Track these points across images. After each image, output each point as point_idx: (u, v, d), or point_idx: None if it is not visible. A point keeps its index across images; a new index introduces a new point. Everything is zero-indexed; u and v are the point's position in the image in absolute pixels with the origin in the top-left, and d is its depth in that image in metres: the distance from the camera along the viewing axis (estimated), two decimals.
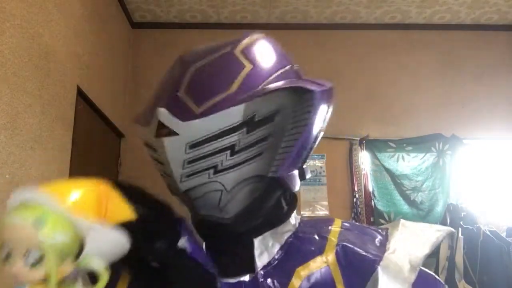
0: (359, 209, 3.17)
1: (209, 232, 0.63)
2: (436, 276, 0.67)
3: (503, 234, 2.74)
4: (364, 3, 3.30)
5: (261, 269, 0.60)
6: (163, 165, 0.60)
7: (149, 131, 0.58)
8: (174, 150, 0.57)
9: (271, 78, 0.60)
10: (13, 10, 1.75)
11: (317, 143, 0.68)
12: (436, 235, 0.66)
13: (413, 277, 0.58)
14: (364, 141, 3.27)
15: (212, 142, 0.57)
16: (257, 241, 0.62)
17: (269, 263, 0.61)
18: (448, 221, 2.86)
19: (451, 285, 2.69)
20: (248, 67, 0.60)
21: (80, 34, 2.45)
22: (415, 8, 3.40)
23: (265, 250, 0.62)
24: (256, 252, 0.61)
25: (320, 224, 0.68)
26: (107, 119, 2.92)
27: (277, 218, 0.65)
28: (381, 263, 0.59)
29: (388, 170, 3.22)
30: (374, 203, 3.15)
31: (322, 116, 0.64)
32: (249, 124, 0.58)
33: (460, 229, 2.75)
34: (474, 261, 2.64)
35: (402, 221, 0.69)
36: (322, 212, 3.21)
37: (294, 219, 0.67)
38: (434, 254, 2.92)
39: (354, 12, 3.44)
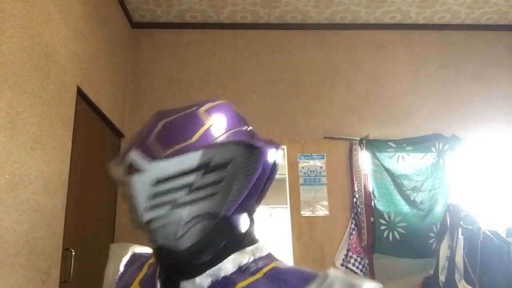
0: (359, 209, 3.17)
1: (165, 259, 0.74)
2: None
3: (503, 234, 2.74)
4: (364, 3, 3.31)
5: None
6: (129, 199, 0.70)
7: (122, 169, 0.70)
8: (141, 185, 0.68)
9: (225, 134, 0.72)
10: (13, 10, 1.75)
11: (266, 193, 0.78)
12: None
13: None
14: (364, 141, 3.27)
15: (173, 180, 0.69)
16: (191, 281, 0.72)
17: None
18: (448, 221, 2.86)
19: (451, 285, 2.69)
20: (208, 123, 0.72)
21: (80, 34, 2.45)
22: (415, 8, 3.40)
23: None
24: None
25: (250, 269, 0.75)
26: (107, 119, 2.92)
27: (217, 259, 0.73)
28: None
29: (388, 170, 3.22)
30: (374, 203, 3.14)
31: (267, 169, 0.74)
32: (204, 168, 0.70)
33: (460, 229, 2.74)
34: (474, 261, 2.64)
35: (329, 272, 0.69)
36: (322, 212, 3.21)
37: (234, 261, 0.74)
38: (434, 254, 2.92)
39: (354, 12, 3.44)
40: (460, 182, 3.23)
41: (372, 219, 3.12)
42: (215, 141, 0.71)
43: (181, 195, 0.69)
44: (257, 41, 3.57)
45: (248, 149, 0.75)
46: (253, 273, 0.73)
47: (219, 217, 0.72)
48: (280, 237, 3.14)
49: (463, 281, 2.64)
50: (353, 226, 3.18)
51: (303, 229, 3.18)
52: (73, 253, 2.25)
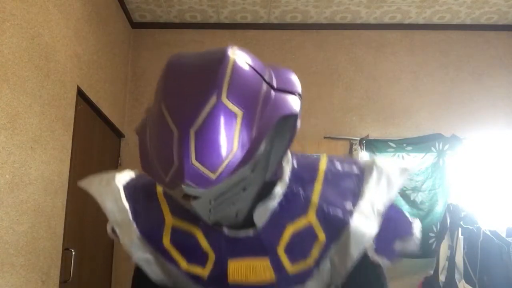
0: None
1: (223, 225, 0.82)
2: (405, 214, 0.87)
3: (503, 234, 2.74)
4: (364, 3, 3.30)
5: (261, 226, 0.81)
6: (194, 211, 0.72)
7: (175, 193, 0.68)
8: (200, 205, 0.68)
9: (257, 116, 0.67)
10: (13, 10, 1.75)
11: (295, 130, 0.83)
12: (400, 179, 0.83)
13: (378, 220, 0.80)
14: (364, 141, 3.27)
15: (229, 192, 0.71)
16: (257, 209, 0.81)
17: (266, 224, 0.82)
18: (448, 221, 2.86)
19: (451, 285, 2.69)
20: (239, 114, 0.65)
21: (80, 34, 2.45)
22: (415, 8, 3.40)
23: (263, 212, 0.81)
24: (257, 213, 0.81)
25: (306, 174, 0.86)
26: (107, 119, 2.92)
27: (267, 194, 0.82)
28: (351, 220, 0.80)
29: None
30: None
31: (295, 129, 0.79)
32: (252, 169, 0.72)
33: (460, 229, 2.74)
34: (474, 261, 2.64)
35: (376, 162, 0.85)
36: None
37: (285, 175, 0.85)
38: (434, 254, 2.92)
39: (354, 12, 3.44)
40: (460, 182, 3.22)
41: None
42: (255, 138, 0.66)
43: (238, 197, 0.74)
44: (257, 41, 3.57)
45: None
46: (312, 180, 0.85)
47: (264, 183, 0.80)
48: None
49: (463, 281, 2.64)
50: None
51: None
52: (73, 253, 2.25)
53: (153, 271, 0.88)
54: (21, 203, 1.78)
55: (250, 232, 0.82)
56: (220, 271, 0.84)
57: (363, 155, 3.25)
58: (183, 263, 0.85)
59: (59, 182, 2.15)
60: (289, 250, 0.83)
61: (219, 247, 0.84)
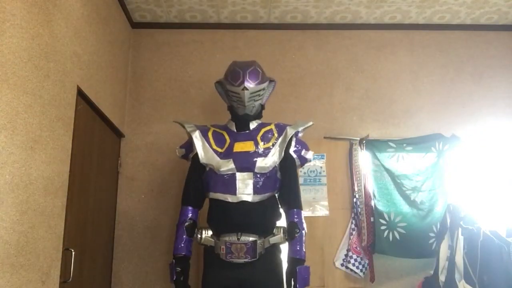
0: (359, 209, 3.17)
1: (246, 116, 2.39)
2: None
3: (503, 234, 2.74)
4: (364, 3, 3.31)
5: (251, 128, 2.42)
6: (240, 99, 2.30)
7: (238, 88, 2.27)
8: (247, 94, 2.27)
9: (265, 79, 2.42)
10: (13, 10, 1.75)
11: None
12: (302, 127, 2.48)
13: (294, 133, 2.42)
14: (364, 141, 3.27)
15: (256, 92, 2.32)
16: (251, 123, 2.43)
17: (253, 128, 2.42)
18: (448, 221, 2.86)
19: (451, 285, 2.69)
20: (261, 72, 2.41)
21: (80, 34, 2.45)
22: (415, 8, 3.40)
23: (253, 125, 2.43)
24: (251, 125, 2.43)
25: (267, 122, 2.51)
26: (107, 119, 2.92)
27: (257, 117, 2.47)
28: (287, 128, 2.41)
29: (388, 170, 3.22)
30: (374, 203, 3.14)
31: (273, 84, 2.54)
32: (264, 88, 2.38)
33: (460, 229, 2.74)
34: (474, 261, 2.64)
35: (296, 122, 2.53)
36: (322, 212, 3.21)
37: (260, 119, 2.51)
38: (434, 254, 2.92)
39: (354, 12, 3.44)
40: (460, 182, 3.23)
41: (372, 219, 3.11)
42: (265, 80, 2.38)
43: (257, 98, 2.34)
44: (257, 41, 3.57)
45: (270, 82, 2.44)
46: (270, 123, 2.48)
47: (262, 104, 2.44)
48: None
49: (463, 281, 2.64)
50: (353, 226, 3.18)
51: None
52: (73, 253, 2.25)
53: (201, 152, 2.32)
54: (21, 203, 1.78)
55: (247, 131, 2.38)
56: (230, 148, 2.30)
57: (363, 155, 3.25)
58: (213, 145, 2.33)
59: (59, 182, 2.15)
60: (262, 137, 2.35)
61: (232, 137, 2.35)
